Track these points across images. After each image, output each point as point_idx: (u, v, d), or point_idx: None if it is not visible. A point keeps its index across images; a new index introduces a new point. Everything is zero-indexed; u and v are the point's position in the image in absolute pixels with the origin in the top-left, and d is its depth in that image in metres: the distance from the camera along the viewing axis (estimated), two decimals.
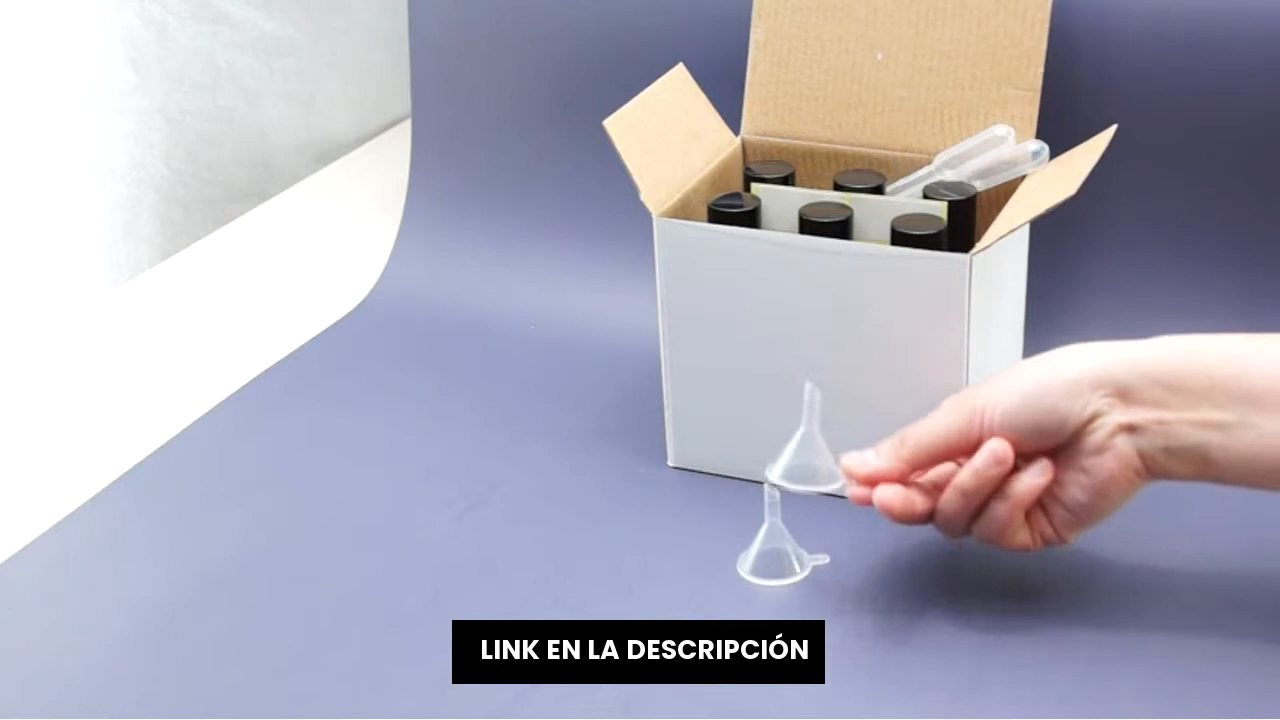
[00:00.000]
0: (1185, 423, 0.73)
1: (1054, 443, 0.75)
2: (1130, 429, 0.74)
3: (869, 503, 0.77)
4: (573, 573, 0.85)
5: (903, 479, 0.77)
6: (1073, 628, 0.79)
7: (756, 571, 0.83)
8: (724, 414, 0.91)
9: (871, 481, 0.77)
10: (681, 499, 0.91)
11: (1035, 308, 0.96)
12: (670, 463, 0.94)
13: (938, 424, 0.77)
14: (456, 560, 0.87)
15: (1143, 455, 0.74)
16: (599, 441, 0.96)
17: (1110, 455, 0.74)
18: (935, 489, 0.78)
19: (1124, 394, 0.73)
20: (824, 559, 0.84)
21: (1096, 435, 0.74)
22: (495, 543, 0.88)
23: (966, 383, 0.84)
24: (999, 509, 0.76)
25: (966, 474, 0.76)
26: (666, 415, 0.93)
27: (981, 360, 0.86)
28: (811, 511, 0.87)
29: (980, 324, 0.84)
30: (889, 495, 0.77)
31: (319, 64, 1.45)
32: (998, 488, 0.76)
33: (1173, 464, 0.74)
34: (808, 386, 0.81)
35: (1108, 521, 0.85)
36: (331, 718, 0.76)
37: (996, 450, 0.75)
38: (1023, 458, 0.76)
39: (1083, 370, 0.74)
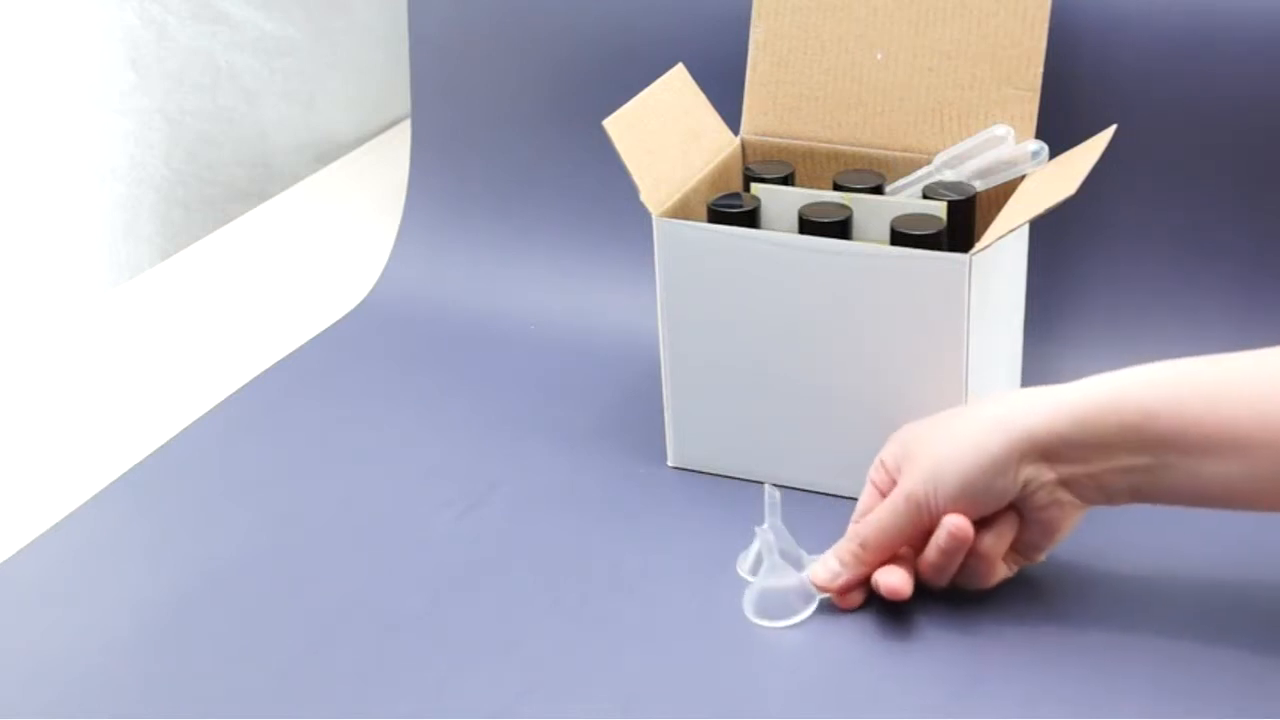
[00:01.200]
0: (1110, 471, 0.76)
1: (1001, 506, 0.78)
2: (1064, 483, 0.77)
3: (854, 604, 0.81)
4: (573, 573, 0.85)
5: (867, 578, 0.80)
6: (1073, 626, 0.79)
7: (756, 572, 0.83)
8: (724, 414, 0.91)
9: (844, 590, 0.80)
10: (681, 499, 0.91)
11: (1035, 308, 0.96)
12: (670, 463, 0.94)
13: (888, 524, 0.79)
14: (456, 560, 0.87)
15: (1083, 498, 0.78)
16: (599, 441, 0.96)
17: (1054, 506, 0.78)
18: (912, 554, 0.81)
19: (1049, 456, 0.76)
20: None
21: (1038, 496, 0.77)
22: (495, 543, 0.88)
23: (966, 383, 0.84)
24: (976, 566, 0.79)
25: (934, 553, 0.79)
26: (666, 415, 0.93)
27: (981, 360, 0.86)
28: (812, 512, 0.87)
29: (980, 324, 0.84)
30: (895, 582, 0.79)
31: (319, 64, 1.45)
32: (970, 549, 0.79)
33: (1114, 500, 0.78)
34: (767, 488, 0.83)
35: (1108, 520, 0.85)
36: (331, 718, 0.76)
37: (954, 529, 0.78)
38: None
39: (1008, 447, 0.76)
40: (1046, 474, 0.76)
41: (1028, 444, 0.75)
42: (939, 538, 0.78)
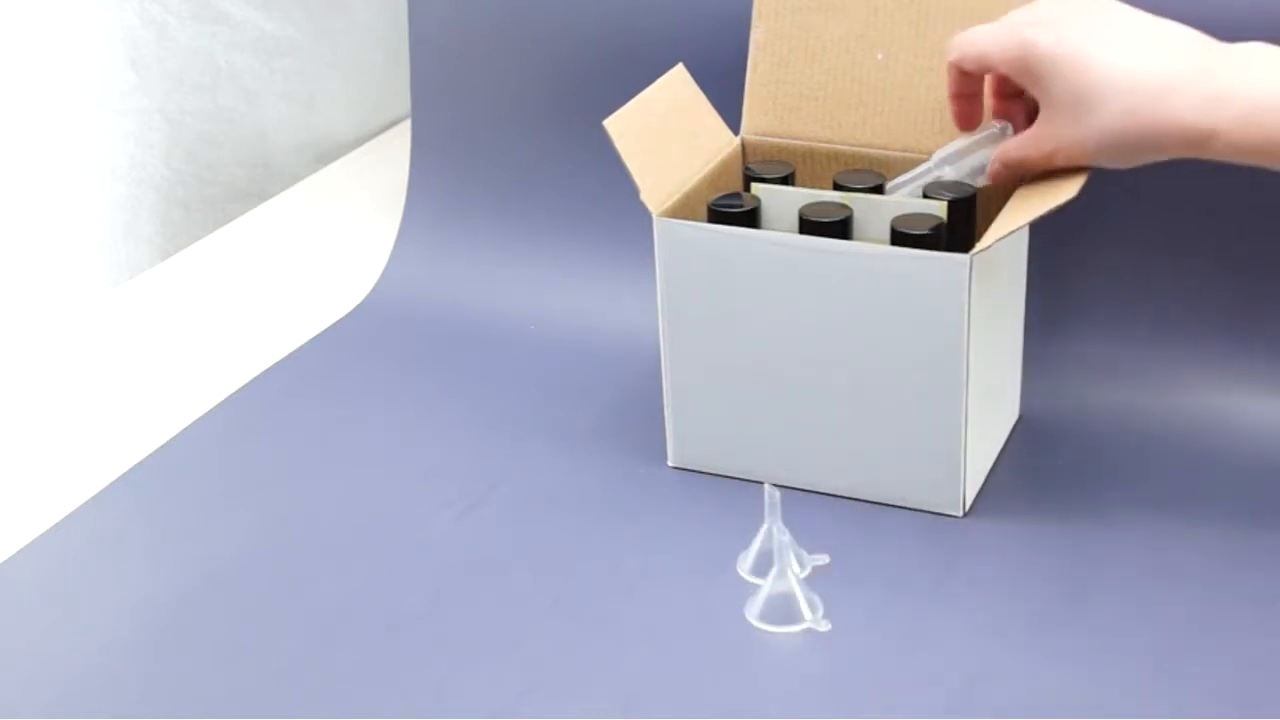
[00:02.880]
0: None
1: None
2: None
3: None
4: (573, 573, 0.85)
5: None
6: (1073, 625, 0.79)
7: (756, 571, 0.83)
8: (724, 414, 0.91)
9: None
10: (681, 499, 0.91)
11: (1035, 308, 0.96)
12: (670, 463, 0.94)
13: (1030, 156, 0.83)
14: (456, 560, 0.87)
15: None
16: (599, 441, 0.96)
17: None
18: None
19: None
20: (824, 559, 0.84)
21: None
22: (495, 543, 0.88)
23: (966, 383, 0.84)
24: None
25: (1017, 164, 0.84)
26: (666, 415, 0.93)
27: (981, 360, 0.86)
28: (812, 512, 0.87)
29: (980, 324, 0.84)
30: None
31: (319, 64, 1.45)
32: None
33: None
34: (767, 488, 0.82)
35: (1109, 520, 0.85)
36: (331, 718, 0.76)
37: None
38: None
39: (1174, 141, 0.77)
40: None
41: (1191, 141, 0.76)
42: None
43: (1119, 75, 0.77)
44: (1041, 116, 0.82)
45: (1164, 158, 0.78)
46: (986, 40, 0.82)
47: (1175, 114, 0.76)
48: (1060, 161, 0.82)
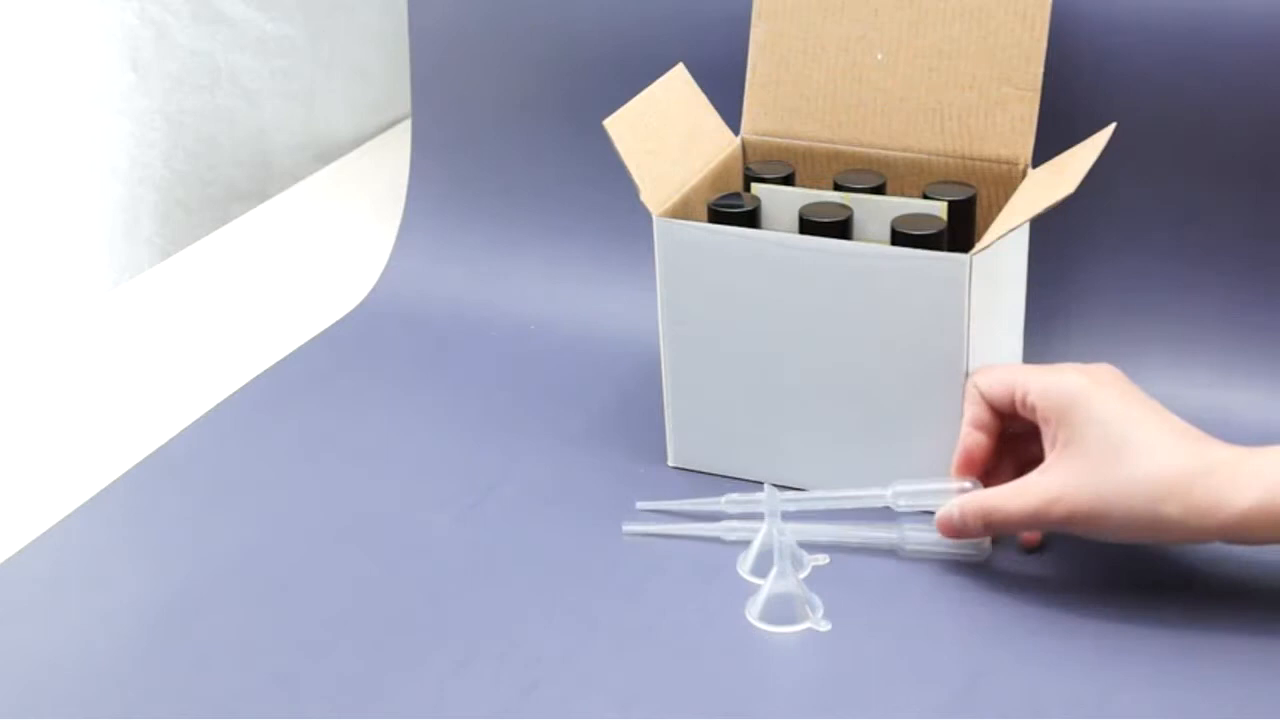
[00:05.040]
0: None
1: None
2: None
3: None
4: (573, 573, 0.85)
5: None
6: (1074, 625, 0.79)
7: (756, 571, 0.83)
8: (724, 414, 0.91)
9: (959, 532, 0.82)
10: (681, 499, 0.91)
11: (1035, 308, 0.96)
12: (670, 463, 0.94)
13: (1023, 519, 0.79)
14: (456, 560, 0.87)
15: None
16: (599, 441, 0.96)
17: None
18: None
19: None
20: (824, 559, 0.84)
21: None
22: (495, 543, 0.88)
23: (967, 383, 0.84)
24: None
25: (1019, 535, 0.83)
26: (666, 415, 0.93)
27: (982, 360, 0.86)
28: (811, 517, 0.87)
29: (980, 324, 0.84)
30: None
31: (319, 64, 1.45)
32: None
33: None
34: (767, 488, 0.83)
35: None
36: (331, 718, 0.76)
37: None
38: None
39: (1187, 530, 0.76)
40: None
41: (1207, 525, 0.75)
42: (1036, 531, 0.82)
43: (1166, 431, 0.77)
44: (1053, 463, 0.78)
45: (1174, 526, 0.75)
46: (1023, 372, 0.81)
47: (1213, 474, 0.75)
48: (1055, 514, 0.77)
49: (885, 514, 0.86)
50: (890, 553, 0.85)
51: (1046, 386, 0.79)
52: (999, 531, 0.81)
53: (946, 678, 0.76)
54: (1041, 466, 0.79)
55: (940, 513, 0.82)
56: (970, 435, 0.83)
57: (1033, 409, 0.80)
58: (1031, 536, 0.84)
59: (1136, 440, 0.76)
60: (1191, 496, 0.74)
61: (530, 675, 0.78)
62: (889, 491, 0.85)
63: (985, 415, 0.82)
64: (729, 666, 0.78)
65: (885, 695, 0.75)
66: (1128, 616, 0.79)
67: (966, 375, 0.84)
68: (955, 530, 0.81)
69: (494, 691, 0.77)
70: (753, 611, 0.81)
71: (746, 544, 0.85)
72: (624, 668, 0.78)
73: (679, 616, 0.81)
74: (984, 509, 0.80)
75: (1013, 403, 0.81)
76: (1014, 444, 0.83)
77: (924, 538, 0.84)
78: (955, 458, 0.83)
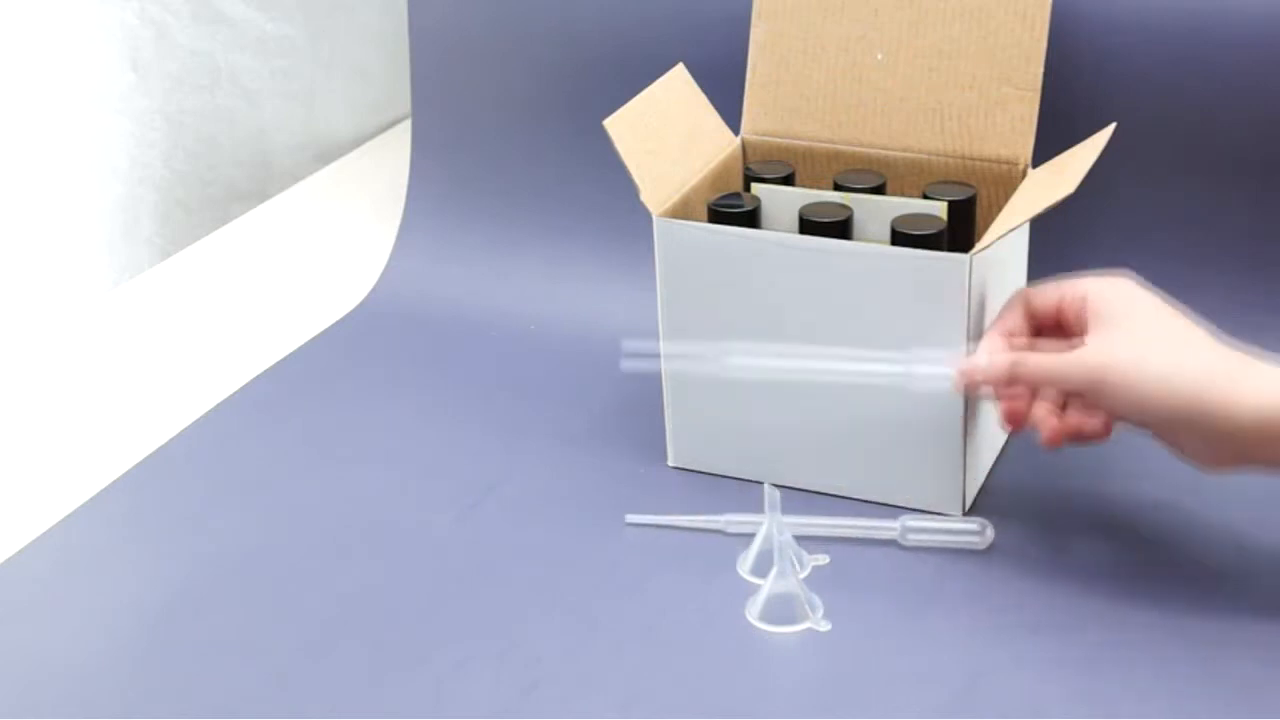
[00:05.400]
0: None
1: None
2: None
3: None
4: (573, 573, 0.85)
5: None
6: (1074, 624, 0.79)
7: (756, 571, 0.83)
8: (724, 414, 0.91)
9: (976, 382, 0.81)
10: (681, 499, 0.91)
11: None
12: (670, 463, 0.94)
13: (1054, 376, 0.78)
14: (456, 560, 0.87)
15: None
16: (599, 441, 0.96)
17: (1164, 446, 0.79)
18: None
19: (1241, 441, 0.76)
20: (824, 559, 0.84)
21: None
22: (495, 543, 0.88)
23: None
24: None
25: (1057, 435, 0.80)
26: (666, 415, 0.93)
27: None
28: (812, 512, 0.87)
29: (980, 324, 0.84)
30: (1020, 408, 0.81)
31: (319, 64, 1.45)
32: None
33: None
34: (767, 488, 0.83)
35: (1107, 522, 0.85)
36: (331, 718, 0.76)
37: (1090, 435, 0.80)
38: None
39: (1215, 414, 0.75)
40: (1224, 447, 0.76)
41: (1233, 423, 0.74)
42: (1076, 426, 0.79)
43: (1210, 341, 0.77)
44: (1096, 333, 0.78)
45: (1206, 414, 0.75)
46: (1071, 277, 0.81)
47: (1251, 375, 0.76)
48: (1090, 363, 0.77)
49: (887, 510, 0.86)
50: (891, 553, 0.85)
51: (1099, 280, 0.80)
52: (1026, 379, 0.79)
53: (946, 678, 0.76)
54: (1091, 334, 0.78)
55: (963, 360, 0.81)
56: (992, 340, 0.81)
57: (1083, 298, 0.79)
58: (1060, 427, 0.80)
59: (1192, 330, 0.77)
60: (1237, 379, 0.75)
61: (530, 675, 0.78)
62: (898, 524, 0.85)
63: (1018, 322, 0.82)
64: (729, 666, 0.78)
65: (885, 695, 0.75)
66: (1128, 616, 0.79)
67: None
68: (979, 373, 0.80)
69: (494, 691, 0.77)
70: (753, 611, 0.81)
71: (747, 538, 0.85)
72: (624, 668, 0.78)
73: (679, 616, 0.81)
74: (1015, 357, 0.79)
75: (1058, 303, 0.81)
76: None
77: (925, 526, 0.84)
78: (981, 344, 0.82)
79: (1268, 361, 0.76)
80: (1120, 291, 0.79)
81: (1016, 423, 0.81)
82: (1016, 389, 0.80)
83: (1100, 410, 0.78)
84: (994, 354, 0.80)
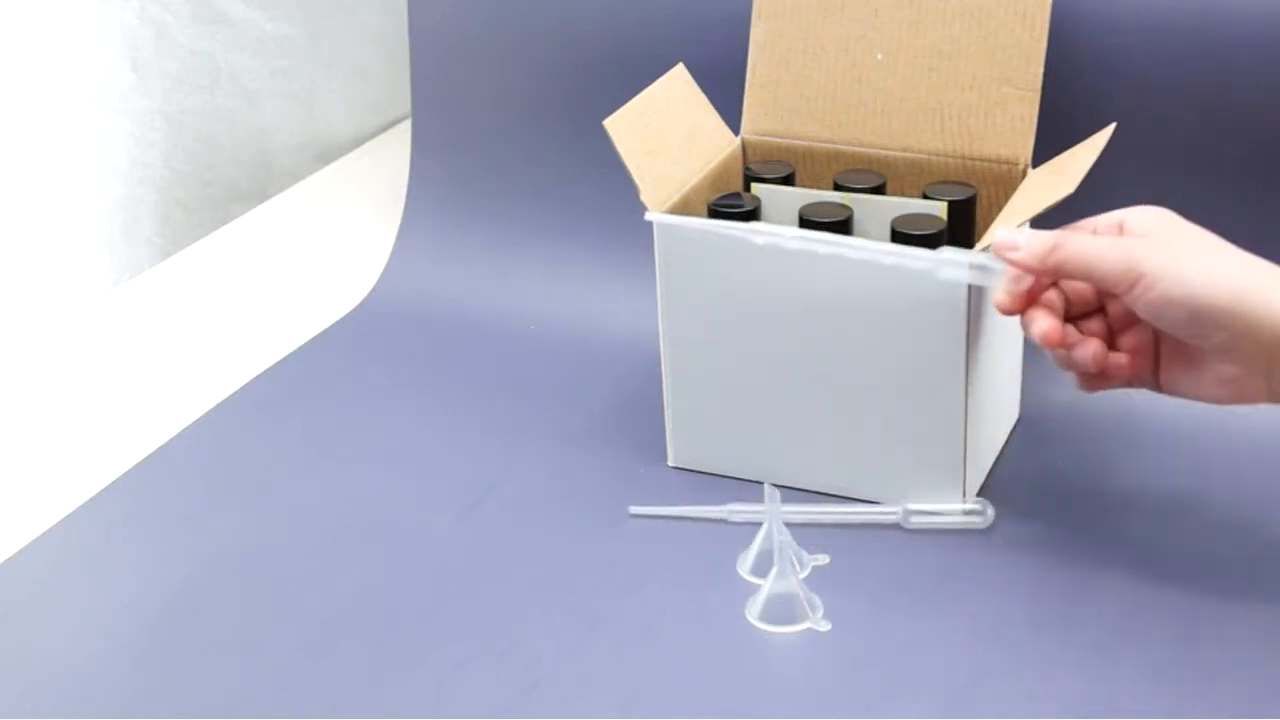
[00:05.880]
0: None
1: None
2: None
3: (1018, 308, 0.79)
4: (573, 572, 0.85)
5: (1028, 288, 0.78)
6: (1075, 624, 0.79)
7: (756, 571, 0.83)
8: (724, 414, 0.91)
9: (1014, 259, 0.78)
10: (681, 499, 0.91)
11: None
12: (670, 463, 0.94)
13: (1092, 263, 0.76)
14: (456, 560, 0.87)
15: (1248, 396, 0.78)
16: (599, 441, 0.96)
17: (1219, 381, 0.77)
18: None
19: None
20: (824, 559, 0.84)
21: (1222, 366, 0.76)
22: (495, 543, 0.88)
23: (967, 383, 0.84)
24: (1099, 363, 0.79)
25: (1094, 362, 0.78)
26: (666, 415, 0.93)
27: (982, 361, 0.86)
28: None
29: (980, 324, 0.84)
30: (1048, 329, 0.78)
31: (319, 64, 1.45)
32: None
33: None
34: (767, 488, 0.83)
35: (1109, 519, 0.85)
36: (331, 718, 0.76)
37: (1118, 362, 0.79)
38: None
39: (1259, 325, 0.74)
40: (1255, 361, 0.74)
41: (1271, 324, 0.73)
42: (1104, 359, 0.78)
43: (1232, 246, 0.77)
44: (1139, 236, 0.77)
45: (1246, 319, 0.74)
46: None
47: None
48: (1137, 253, 0.75)
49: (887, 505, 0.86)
50: (891, 553, 0.85)
51: (1134, 209, 0.79)
52: (1063, 265, 0.76)
53: (947, 678, 0.76)
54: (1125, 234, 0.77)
55: (1003, 230, 0.78)
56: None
57: (1119, 223, 0.78)
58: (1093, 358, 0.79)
59: (1226, 244, 0.77)
60: (1274, 289, 0.74)
61: (530, 675, 0.78)
62: (900, 508, 0.86)
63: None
64: (729, 666, 0.78)
65: (885, 695, 0.75)
66: (1129, 615, 0.79)
67: (966, 376, 0.84)
68: (1020, 250, 0.77)
69: (494, 691, 0.77)
70: (753, 611, 0.81)
71: (747, 538, 0.85)
72: (624, 668, 0.78)
73: (679, 616, 0.81)
74: (1057, 237, 0.77)
75: (1092, 232, 0.78)
76: None
77: (927, 508, 0.85)
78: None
79: None
80: (1157, 214, 0.79)
81: (1053, 342, 0.78)
82: (1049, 296, 0.78)
83: (1129, 321, 0.77)
84: (1034, 233, 0.78)
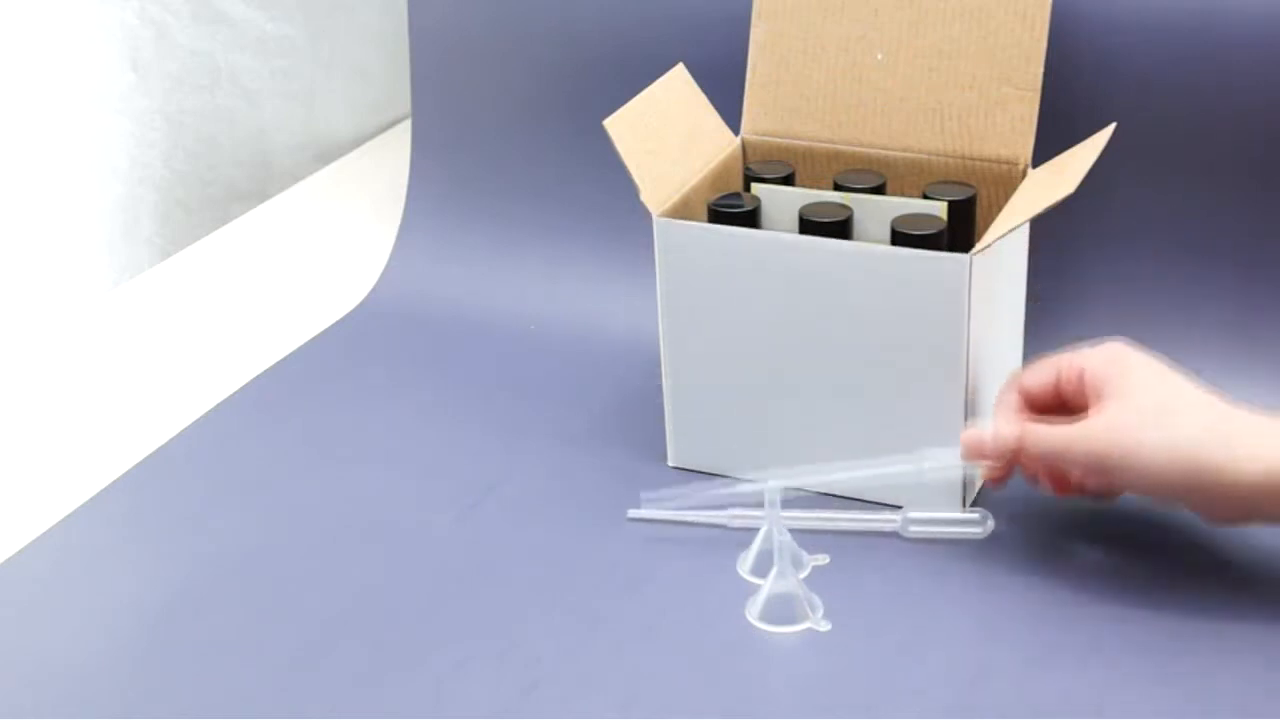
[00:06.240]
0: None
1: None
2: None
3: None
4: (573, 573, 0.85)
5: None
6: (1075, 623, 0.79)
7: (756, 571, 0.83)
8: (724, 414, 0.91)
9: (991, 458, 0.82)
10: (680, 500, 0.90)
11: (1035, 308, 0.96)
12: (670, 463, 0.94)
13: (1060, 452, 0.79)
14: (456, 560, 0.87)
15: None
16: (599, 441, 0.96)
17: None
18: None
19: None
20: (824, 559, 0.84)
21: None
22: (495, 543, 0.88)
23: (967, 383, 0.84)
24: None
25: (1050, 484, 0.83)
26: (666, 415, 0.93)
27: (981, 360, 0.86)
28: (812, 511, 0.87)
29: (980, 324, 0.84)
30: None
31: (319, 64, 1.45)
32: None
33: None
34: (767, 488, 0.83)
35: (1107, 521, 0.85)
36: (331, 718, 0.76)
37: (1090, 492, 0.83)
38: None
39: (1217, 484, 0.76)
40: (1215, 512, 0.79)
41: (1232, 485, 0.75)
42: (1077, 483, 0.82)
43: (1207, 393, 0.78)
44: (1096, 409, 0.79)
45: (1213, 474, 0.76)
46: (1063, 354, 0.82)
47: (1248, 434, 0.76)
48: (1095, 438, 0.78)
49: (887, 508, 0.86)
50: (891, 552, 0.85)
51: (1093, 351, 0.81)
52: (1032, 450, 0.80)
53: (946, 678, 0.76)
54: (1093, 413, 0.79)
55: (969, 433, 0.82)
56: (1003, 411, 0.83)
57: (1079, 374, 0.80)
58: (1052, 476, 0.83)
59: (1187, 392, 0.78)
60: (1234, 441, 0.76)
61: (530, 675, 0.78)
62: (899, 515, 0.86)
63: (1016, 402, 0.83)
64: (729, 666, 0.78)
65: (885, 695, 0.75)
66: (1128, 615, 0.79)
67: (967, 375, 0.84)
68: (982, 445, 0.81)
69: (494, 691, 0.77)
70: (753, 611, 0.81)
71: (747, 538, 0.85)
72: (624, 668, 0.78)
73: (679, 616, 0.81)
74: (1023, 428, 0.80)
75: (1055, 382, 0.81)
76: None
77: (926, 517, 0.85)
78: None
79: (1267, 416, 0.77)
80: (1115, 363, 0.80)
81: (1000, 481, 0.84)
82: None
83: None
84: (1002, 426, 0.81)
